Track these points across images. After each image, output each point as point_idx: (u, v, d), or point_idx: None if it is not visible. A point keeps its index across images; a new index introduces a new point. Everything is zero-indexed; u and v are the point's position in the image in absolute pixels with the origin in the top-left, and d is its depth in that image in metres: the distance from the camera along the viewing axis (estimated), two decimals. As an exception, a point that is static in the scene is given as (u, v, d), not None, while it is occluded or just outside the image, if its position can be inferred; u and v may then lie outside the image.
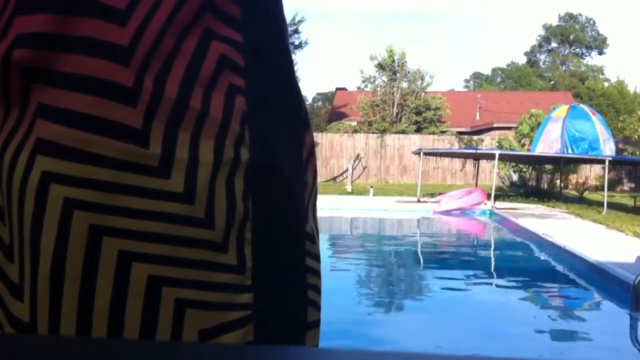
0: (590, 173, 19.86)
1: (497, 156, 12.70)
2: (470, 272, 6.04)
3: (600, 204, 11.64)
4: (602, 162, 12.39)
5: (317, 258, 0.53)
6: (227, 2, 0.46)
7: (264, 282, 0.46)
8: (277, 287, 0.48)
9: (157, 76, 0.42)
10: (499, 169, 16.33)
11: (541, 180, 17.23)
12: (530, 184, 17.40)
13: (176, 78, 0.43)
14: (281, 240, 0.49)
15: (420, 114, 26.44)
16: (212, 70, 0.44)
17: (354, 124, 26.90)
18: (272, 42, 0.51)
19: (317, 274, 0.52)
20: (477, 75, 62.61)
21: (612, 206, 11.82)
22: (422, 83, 26.91)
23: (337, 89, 35.15)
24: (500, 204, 11.94)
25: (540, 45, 60.57)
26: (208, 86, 0.44)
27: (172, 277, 0.42)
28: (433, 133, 24.94)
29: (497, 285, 5.55)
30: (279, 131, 0.49)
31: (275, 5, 0.52)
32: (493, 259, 7.24)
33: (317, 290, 0.52)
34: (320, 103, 54.59)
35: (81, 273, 0.40)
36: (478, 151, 14.89)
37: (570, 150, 13.39)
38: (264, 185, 0.47)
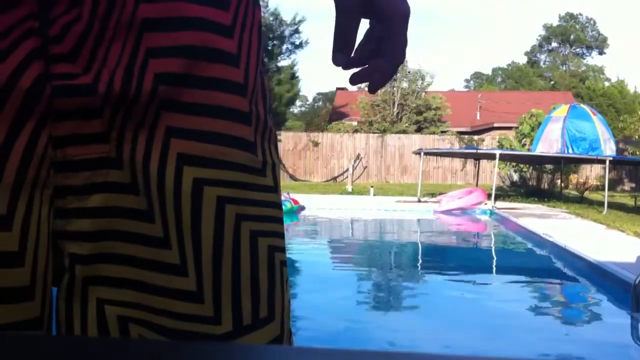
0: (591, 173, 19.86)
1: (497, 156, 12.70)
2: (470, 272, 6.04)
3: (600, 204, 11.63)
4: (602, 162, 12.38)
5: None
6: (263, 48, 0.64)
7: None
8: None
9: (256, 103, 0.59)
10: (499, 168, 16.33)
11: (542, 180, 17.23)
12: (530, 183, 17.40)
13: (261, 104, 0.61)
14: None
15: (420, 114, 26.45)
16: (267, 96, 0.63)
17: (355, 123, 26.92)
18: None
19: None
20: (477, 75, 62.62)
21: (613, 206, 11.81)
22: (422, 83, 26.93)
23: (338, 88, 35.17)
24: (500, 204, 11.94)
25: (540, 45, 60.57)
26: (267, 109, 0.62)
27: (280, 246, 0.60)
28: (433, 133, 24.95)
29: (498, 285, 5.55)
30: None
31: None
32: (493, 258, 7.24)
33: None
34: (320, 103, 54.58)
35: (232, 249, 0.55)
36: (478, 151, 14.89)
37: (570, 150, 13.39)
38: None
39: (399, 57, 0.68)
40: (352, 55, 0.67)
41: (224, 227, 0.55)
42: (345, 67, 0.68)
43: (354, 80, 0.70)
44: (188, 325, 0.53)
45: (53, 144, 0.52)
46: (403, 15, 0.66)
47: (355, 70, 0.69)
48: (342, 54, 0.66)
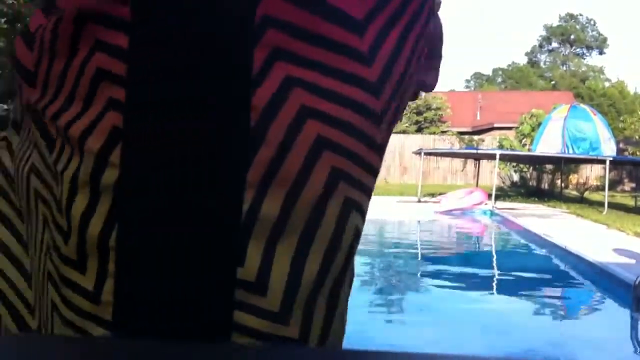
0: (591, 173, 19.85)
1: (497, 156, 12.69)
2: (470, 272, 6.04)
3: (601, 204, 11.63)
4: (602, 162, 12.38)
5: (256, 311, 0.44)
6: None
7: None
8: None
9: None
10: (499, 169, 16.32)
11: (542, 180, 17.22)
12: (531, 184, 17.39)
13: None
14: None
15: (420, 114, 26.46)
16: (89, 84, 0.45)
17: (355, 124, 26.87)
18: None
19: (251, 332, 0.44)
20: (477, 75, 62.61)
21: (613, 206, 11.81)
22: (422, 83, 26.92)
23: (338, 89, 35.16)
24: (500, 204, 11.94)
25: (541, 45, 60.58)
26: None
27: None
28: (434, 133, 24.96)
29: (498, 286, 5.55)
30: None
31: None
32: (494, 259, 7.23)
33: None
34: (320, 103, 54.52)
35: None
36: (479, 151, 14.89)
37: (571, 150, 13.39)
38: (140, 210, 0.44)
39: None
40: None
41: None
42: None
43: None
44: None
45: None
46: None
47: None
48: None
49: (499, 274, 6.15)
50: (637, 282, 3.73)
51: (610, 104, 39.62)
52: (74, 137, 0.45)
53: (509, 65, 60.37)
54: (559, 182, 16.52)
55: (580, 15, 59.32)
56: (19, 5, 8.30)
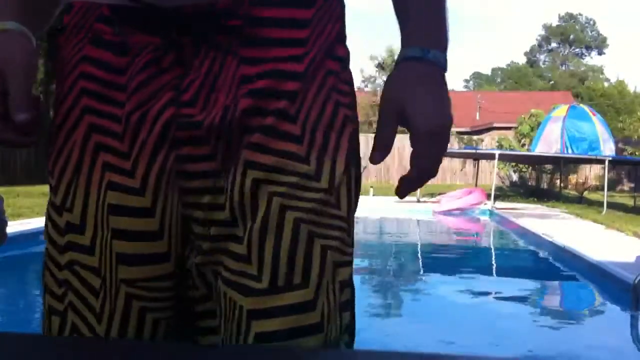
0: (590, 173, 19.85)
1: (497, 156, 12.69)
2: (470, 272, 6.04)
3: (600, 204, 11.63)
4: (601, 162, 12.38)
5: None
6: None
7: None
8: None
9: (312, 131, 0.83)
10: (498, 169, 16.33)
11: (541, 180, 17.23)
12: (530, 184, 17.40)
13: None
14: None
15: (420, 114, 26.43)
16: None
17: (354, 124, 26.84)
18: None
19: None
20: (476, 75, 62.63)
21: (612, 206, 11.81)
22: (422, 83, 26.90)
23: (337, 89, 35.11)
24: (500, 204, 11.94)
25: (540, 45, 60.61)
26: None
27: (323, 233, 0.78)
28: (433, 133, 24.91)
29: (497, 285, 5.55)
30: None
31: None
32: (493, 259, 7.24)
33: None
34: (320, 103, 54.51)
35: (275, 230, 0.75)
36: (478, 151, 14.89)
37: (570, 150, 13.39)
38: None
39: (425, 171, 0.82)
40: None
41: (270, 214, 0.73)
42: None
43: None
44: (239, 278, 0.73)
45: (178, 161, 0.75)
46: (428, 131, 0.75)
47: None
48: (380, 154, 0.82)
49: (498, 274, 6.16)
50: (636, 281, 3.74)
51: (609, 103, 39.64)
52: None
53: (508, 65, 60.41)
54: (558, 182, 16.52)
55: (580, 15, 59.36)
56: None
